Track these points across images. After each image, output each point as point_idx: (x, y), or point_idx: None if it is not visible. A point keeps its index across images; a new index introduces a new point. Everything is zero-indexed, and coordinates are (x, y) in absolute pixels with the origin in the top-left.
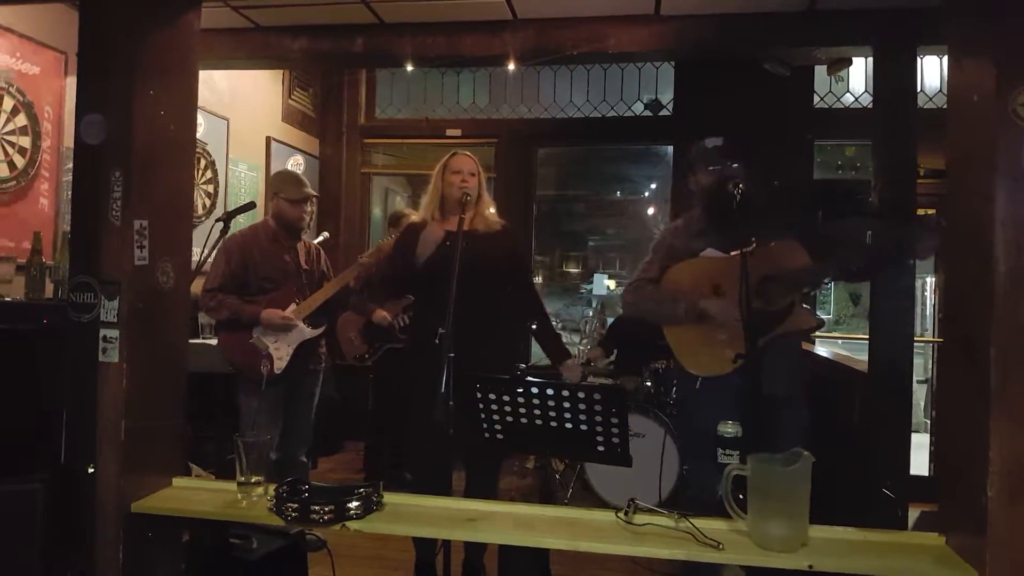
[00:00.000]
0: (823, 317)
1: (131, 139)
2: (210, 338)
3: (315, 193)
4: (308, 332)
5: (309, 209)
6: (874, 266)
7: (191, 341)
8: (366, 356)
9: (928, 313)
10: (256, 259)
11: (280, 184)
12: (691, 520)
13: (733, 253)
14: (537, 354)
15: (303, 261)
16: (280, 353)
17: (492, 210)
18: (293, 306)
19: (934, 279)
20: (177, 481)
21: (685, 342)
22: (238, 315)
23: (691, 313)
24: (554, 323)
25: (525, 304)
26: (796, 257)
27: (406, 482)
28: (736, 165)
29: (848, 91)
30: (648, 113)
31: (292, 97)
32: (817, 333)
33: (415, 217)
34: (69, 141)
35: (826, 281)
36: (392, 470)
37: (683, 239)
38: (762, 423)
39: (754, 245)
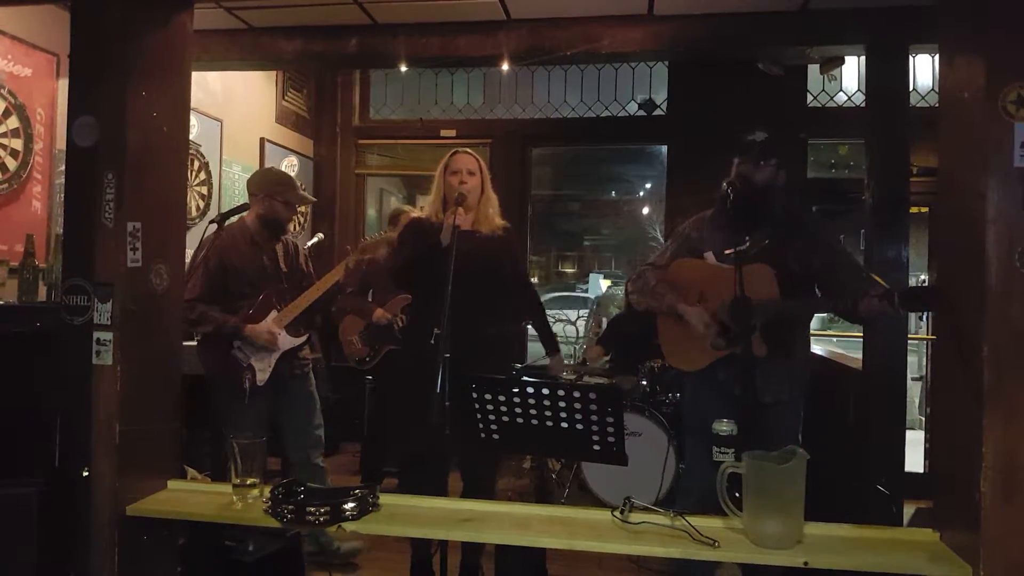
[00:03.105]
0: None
1: (124, 141)
2: None
3: (312, 198)
4: (289, 341)
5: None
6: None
7: (185, 343)
8: (367, 359)
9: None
10: (234, 263)
11: (274, 185)
12: (687, 518)
13: (728, 252)
14: (533, 354)
15: (282, 263)
16: (262, 364)
17: (495, 204)
18: (274, 313)
19: (928, 277)
20: (172, 483)
21: (670, 335)
22: (220, 328)
23: (671, 311)
24: (550, 322)
25: (526, 303)
26: (766, 286)
27: (409, 485)
28: (765, 169)
29: (841, 90)
30: (642, 113)
31: (286, 98)
32: (812, 331)
33: (419, 212)
34: (62, 143)
35: (780, 319)
36: (390, 474)
37: (701, 231)
38: (750, 424)
39: (747, 244)
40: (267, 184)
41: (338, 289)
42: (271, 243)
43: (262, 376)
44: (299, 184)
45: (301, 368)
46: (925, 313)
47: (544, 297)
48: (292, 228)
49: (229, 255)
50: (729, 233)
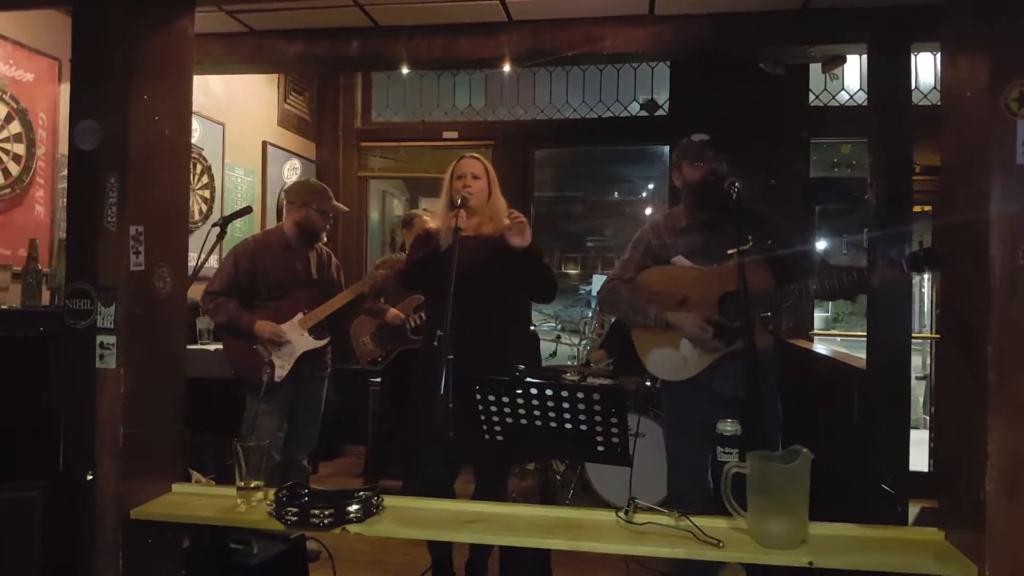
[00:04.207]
0: (822, 314)
1: (126, 144)
2: (208, 344)
3: (345, 208)
4: (311, 343)
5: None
6: (839, 295)
7: (189, 347)
8: (379, 360)
9: (926, 309)
10: (267, 266)
11: (310, 194)
12: (691, 518)
13: (731, 251)
14: (543, 355)
15: (314, 269)
16: (282, 361)
17: (502, 206)
18: (300, 315)
19: (932, 275)
20: (177, 487)
21: (649, 344)
22: (234, 322)
23: (659, 322)
24: (553, 324)
25: (538, 280)
26: (760, 278)
27: (414, 488)
28: (722, 162)
29: (843, 89)
30: (644, 113)
31: (288, 101)
32: (816, 330)
33: (431, 224)
34: (64, 148)
35: (786, 304)
36: (403, 475)
37: (662, 238)
38: (745, 421)
39: (751, 243)
40: (304, 193)
41: (363, 299)
42: (305, 250)
43: (281, 372)
44: (329, 192)
45: (322, 371)
46: (929, 273)
47: None
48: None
49: (263, 258)
50: (695, 234)
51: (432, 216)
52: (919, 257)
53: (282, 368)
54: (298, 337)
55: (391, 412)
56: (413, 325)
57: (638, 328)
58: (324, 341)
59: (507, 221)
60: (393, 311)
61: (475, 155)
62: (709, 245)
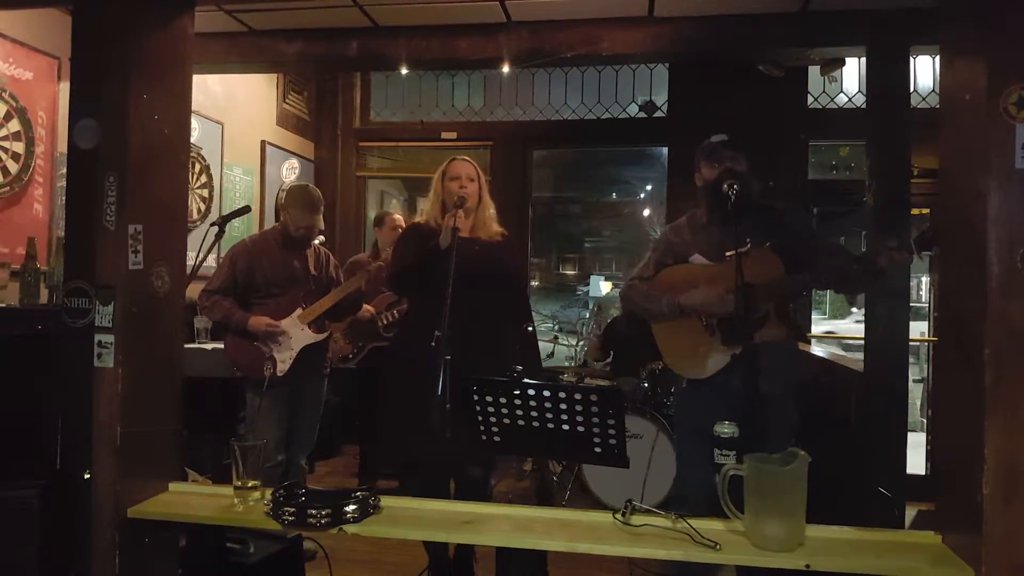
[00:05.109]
0: (818, 317)
1: (125, 143)
2: (205, 343)
3: (321, 226)
4: (311, 337)
5: (316, 229)
6: (849, 283)
7: (187, 346)
8: (350, 357)
9: (924, 312)
10: (264, 264)
11: (290, 199)
12: (688, 520)
13: (728, 254)
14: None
15: (312, 267)
16: (283, 356)
17: (492, 211)
18: (299, 310)
19: (929, 278)
20: (174, 486)
21: (670, 343)
22: (228, 319)
23: (672, 308)
24: (551, 325)
25: (518, 311)
26: (772, 268)
27: (410, 488)
28: (738, 161)
29: (842, 91)
30: (643, 115)
31: (287, 101)
32: (813, 333)
33: (418, 218)
34: (63, 146)
35: (803, 293)
36: (398, 475)
37: (683, 236)
38: (750, 422)
39: (748, 246)
40: (287, 199)
41: (360, 296)
42: (301, 248)
43: (283, 367)
44: (318, 208)
45: (322, 370)
46: (933, 251)
47: (545, 298)
48: (314, 239)
49: (260, 257)
50: (712, 232)
51: (421, 216)
52: (927, 237)
53: (284, 363)
54: (298, 332)
55: (373, 411)
56: (385, 322)
57: (656, 323)
58: (324, 335)
59: (496, 227)
60: (364, 306)
61: (466, 158)
62: (725, 242)
